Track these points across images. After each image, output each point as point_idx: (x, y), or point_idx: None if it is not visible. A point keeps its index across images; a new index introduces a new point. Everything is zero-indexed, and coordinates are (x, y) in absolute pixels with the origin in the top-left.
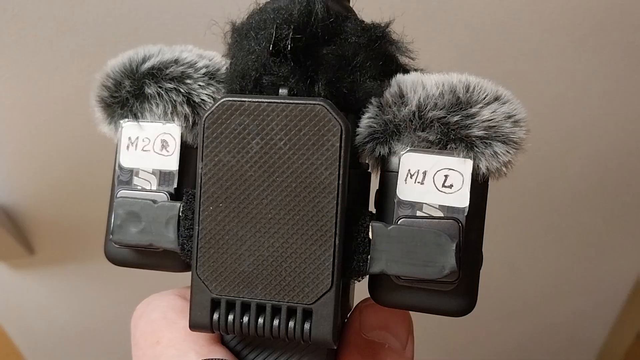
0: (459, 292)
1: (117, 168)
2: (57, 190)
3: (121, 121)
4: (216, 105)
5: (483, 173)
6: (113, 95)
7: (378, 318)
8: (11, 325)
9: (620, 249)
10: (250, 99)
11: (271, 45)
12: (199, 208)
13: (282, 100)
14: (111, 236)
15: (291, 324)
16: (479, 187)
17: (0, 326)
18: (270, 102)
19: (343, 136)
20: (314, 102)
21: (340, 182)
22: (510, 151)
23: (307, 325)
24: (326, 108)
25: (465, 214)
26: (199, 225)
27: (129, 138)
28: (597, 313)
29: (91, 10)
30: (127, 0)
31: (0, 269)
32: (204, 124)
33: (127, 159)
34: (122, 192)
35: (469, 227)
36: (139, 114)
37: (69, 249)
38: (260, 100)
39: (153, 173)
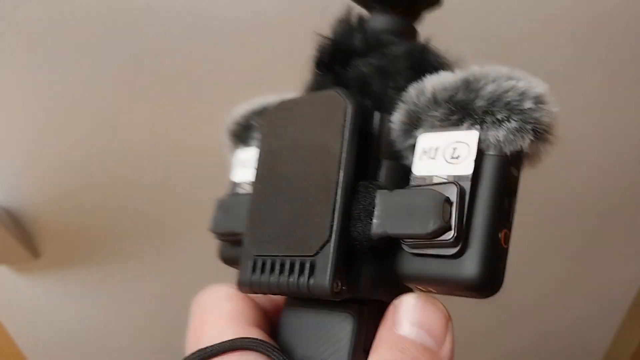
0: (467, 258)
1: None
2: (63, 194)
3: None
4: (272, 106)
5: (493, 144)
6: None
7: (413, 315)
8: (15, 329)
9: (625, 254)
10: (289, 98)
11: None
12: (253, 188)
13: (309, 94)
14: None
15: (301, 278)
16: (499, 161)
17: (4, 329)
18: (301, 97)
19: (348, 110)
20: (331, 90)
21: (344, 149)
22: (516, 119)
23: (311, 279)
24: (338, 92)
25: (469, 180)
26: (251, 203)
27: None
28: (601, 318)
29: (102, 15)
30: (136, 7)
31: (5, 273)
32: (263, 122)
33: (237, 175)
34: (224, 197)
35: (477, 195)
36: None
37: (73, 253)
38: (295, 96)
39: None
